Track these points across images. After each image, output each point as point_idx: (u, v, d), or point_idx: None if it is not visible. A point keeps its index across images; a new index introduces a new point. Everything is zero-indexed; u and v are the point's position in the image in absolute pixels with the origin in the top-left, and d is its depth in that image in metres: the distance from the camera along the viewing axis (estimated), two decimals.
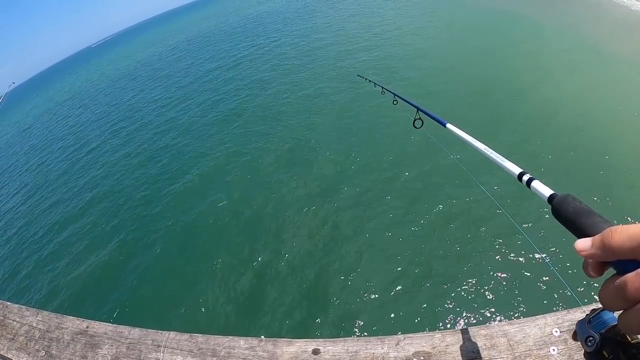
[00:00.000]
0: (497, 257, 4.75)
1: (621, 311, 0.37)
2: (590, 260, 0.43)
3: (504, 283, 4.43)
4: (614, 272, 0.40)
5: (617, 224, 0.41)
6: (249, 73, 16.04)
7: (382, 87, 3.43)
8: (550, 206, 0.59)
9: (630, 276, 0.35)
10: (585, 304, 1.19)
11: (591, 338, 0.56)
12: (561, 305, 3.85)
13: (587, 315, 0.62)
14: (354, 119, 9.30)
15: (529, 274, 4.42)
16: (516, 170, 0.86)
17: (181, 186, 8.39)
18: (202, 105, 13.91)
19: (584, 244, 0.43)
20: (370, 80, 4.55)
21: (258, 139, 9.61)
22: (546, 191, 0.67)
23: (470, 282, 4.55)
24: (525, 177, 0.80)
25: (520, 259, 4.62)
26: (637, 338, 0.53)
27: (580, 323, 0.63)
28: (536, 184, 0.73)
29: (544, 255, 4.49)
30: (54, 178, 12.18)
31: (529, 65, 10.29)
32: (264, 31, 25.27)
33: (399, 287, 4.70)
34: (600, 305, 0.61)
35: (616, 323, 0.56)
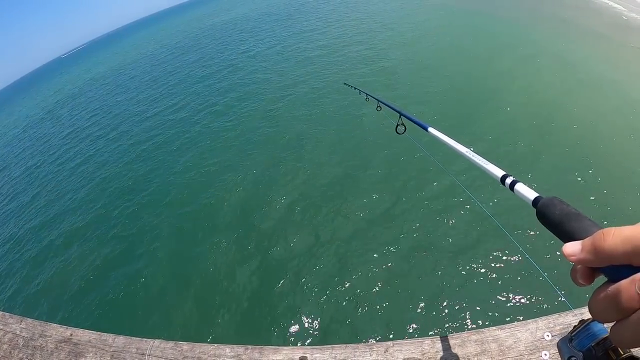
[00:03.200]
0: (488, 262, 4.69)
1: (613, 323, 0.34)
2: (580, 266, 0.39)
3: (495, 288, 4.38)
4: (605, 280, 0.37)
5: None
6: (234, 82, 15.60)
7: (367, 94, 3.39)
8: (535, 210, 0.56)
9: (624, 283, 0.32)
10: (576, 307, 1.17)
11: (574, 358, 0.53)
12: (553, 309, 3.83)
13: (569, 332, 0.59)
14: (342, 128, 9.21)
15: (519, 279, 4.37)
16: (499, 172, 0.83)
17: (169, 196, 8.25)
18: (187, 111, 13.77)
19: (573, 247, 0.39)
20: (355, 88, 4.50)
21: (240, 151, 9.43)
22: (530, 194, 0.63)
23: (460, 287, 4.49)
24: (509, 180, 0.76)
25: (512, 263, 4.59)
26: (629, 351, 0.50)
27: (562, 341, 0.60)
28: (520, 187, 0.69)
29: (533, 261, 4.48)
30: (41, 183, 12.02)
31: (514, 67, 10.27)
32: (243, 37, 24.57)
33: (387, 293, 4.62)
34: (586, 318, 0.58)
35: (607, 335, 0.53)
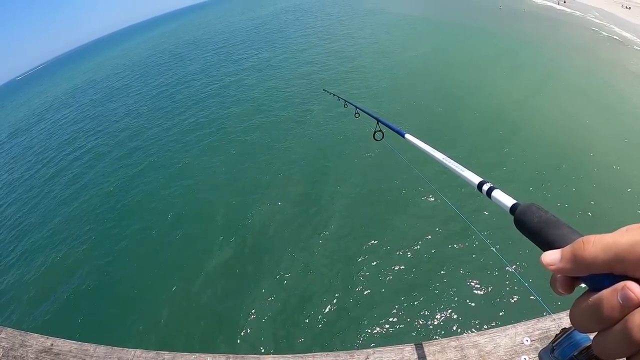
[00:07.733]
0: (467, 269, 4.77)
1: (595, 333, 0.33)
2: (560, 275, 0.38)
3: (474, 294, 4.45)
4: (586, 288, 0.36)
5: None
6: (210, 94, 15.68)
7: (345, 101, 3.34)
8: (512, 217, 0.54)
9: (606, 293, 0.31)
10: (555, 312, 1.18)
11: None
12: (531, 314, 3.85)
13: (550, 341, 0.58)
14: (320, 134, 9.24)
15: (498, 285, 4.45)
16: (476, 179, 0.81)
17: (147, 200, 8.19)
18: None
19: (552, 256, 0.38)
20: (334, 94, 4.48)
21: (218, 164, 9.43)
22: (508, 201, 0.61)
23: (441, 294, 4.55)
24: (486, 187, 0.74)
25: (490, 270, 4.66)
26: None
27: (544, 352, 0.58)
28: (497, 194, 0.67)
29: (512, 269, 4.54)
30: (21, 189, 11.80)
31: (492, 76, 10.47)
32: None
33: (367, 301, 4.66)
34: (567, 325, 0.57)
35: (589, 344, 0.51)
